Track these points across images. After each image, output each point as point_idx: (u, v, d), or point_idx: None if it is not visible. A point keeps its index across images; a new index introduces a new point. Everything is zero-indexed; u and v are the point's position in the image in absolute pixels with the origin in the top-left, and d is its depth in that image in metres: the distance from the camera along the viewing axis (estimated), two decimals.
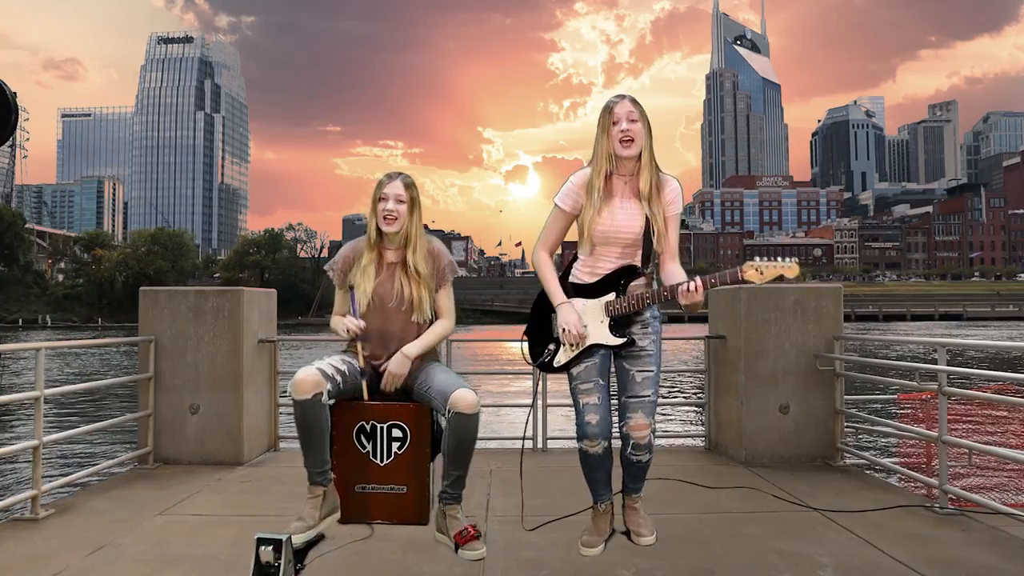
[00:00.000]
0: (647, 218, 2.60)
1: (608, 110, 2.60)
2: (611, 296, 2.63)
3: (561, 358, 2.66)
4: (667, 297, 2.55)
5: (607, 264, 2.65)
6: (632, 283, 2.64)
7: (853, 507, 3.69)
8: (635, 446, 2.63)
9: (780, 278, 2.47)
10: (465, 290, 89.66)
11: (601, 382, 2.63)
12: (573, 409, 2.66)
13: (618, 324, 2.63)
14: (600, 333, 2.63)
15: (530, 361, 2.78)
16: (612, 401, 2.67)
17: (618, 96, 2.62)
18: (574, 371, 2.65)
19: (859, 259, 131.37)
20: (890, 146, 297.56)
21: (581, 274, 2.70)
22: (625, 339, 2.62)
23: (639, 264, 2.64)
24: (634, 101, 2.60)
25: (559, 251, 2.95)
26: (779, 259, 2.43)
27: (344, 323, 2.64)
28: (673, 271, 2.62)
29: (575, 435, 2.64)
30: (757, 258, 2.49)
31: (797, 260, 2.50)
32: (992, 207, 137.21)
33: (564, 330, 2.60)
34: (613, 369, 2.70)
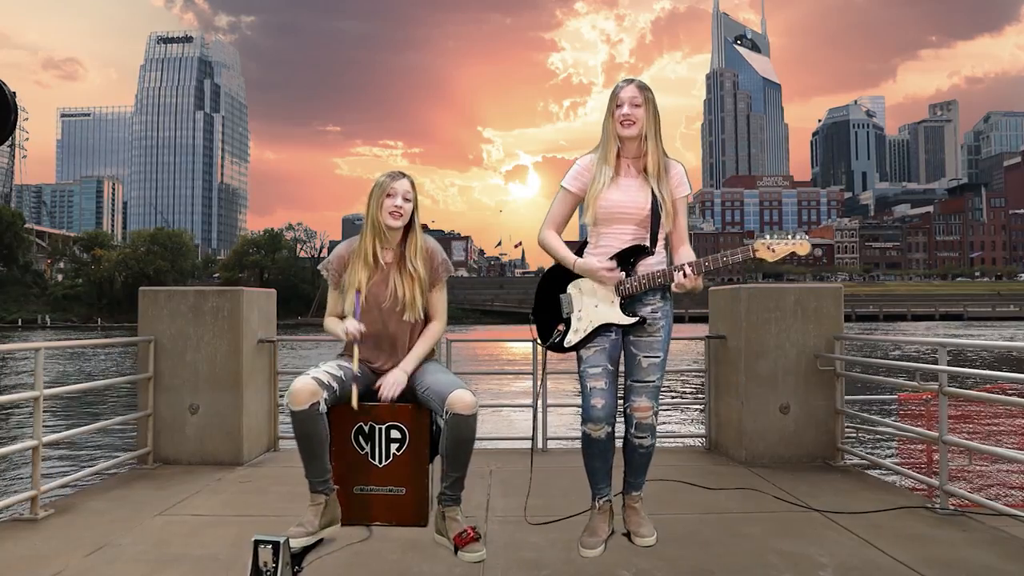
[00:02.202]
0: (654, 197, 2.62)
1: (615, 93, 2.65)
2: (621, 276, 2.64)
3: (572, 339, 2.68)
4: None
5: (614, 243, 2.67)
6: (642, 264, 2.66)
7: (853, 507, 3.69)
8: (638, 426, 2.67)
9: (792, 255, 2.50)
10: (465, 290, 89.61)
11: (610, 367, 2.65)
12: (580, 393, 2.67)
13: (629, 304, 2.65)
14: (611, 312, 2.64)
15: (540, 342, 2.78)
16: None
17: (626, 80, 2.67)
18: (584, 354, 2.67)
19: (859, 259, 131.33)
20: (890, 146, 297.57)
21: (590, 256, 2.72)
22: (636, 318, 2.64)
23: (648, 244, 2.66)
24: (642, 87, 2.64)
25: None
26: (790, 236, 2.46)
27: (344, 326, 2.62)
28: (684, 253, 2.67)
29: (580, 419, 2.66)
30: (768, 235, 2.50)
31: (807, 237, 2.52)
32: (993, 207, 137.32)
33: (598, 275, 2.62)
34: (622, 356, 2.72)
